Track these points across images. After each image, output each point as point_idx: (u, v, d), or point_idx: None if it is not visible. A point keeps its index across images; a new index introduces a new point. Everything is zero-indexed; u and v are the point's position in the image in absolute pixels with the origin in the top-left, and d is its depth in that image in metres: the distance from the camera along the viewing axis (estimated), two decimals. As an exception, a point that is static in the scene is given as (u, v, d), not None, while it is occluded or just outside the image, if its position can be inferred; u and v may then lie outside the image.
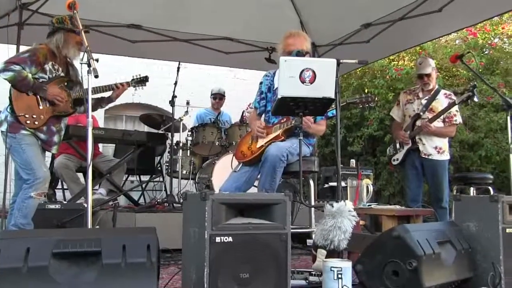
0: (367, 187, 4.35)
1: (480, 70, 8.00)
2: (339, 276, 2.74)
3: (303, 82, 3.21)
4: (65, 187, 6.40)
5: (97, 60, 3.16)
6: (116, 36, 6.19)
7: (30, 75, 4.02)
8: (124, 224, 5.00)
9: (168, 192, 6.14)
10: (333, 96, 3.27)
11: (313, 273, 3.14)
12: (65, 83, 4.30)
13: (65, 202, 5.34)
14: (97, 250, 2.24)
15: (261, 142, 4.06)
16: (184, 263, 2.70)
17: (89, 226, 3.00)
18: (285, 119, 4.05)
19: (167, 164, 6.88)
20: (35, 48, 4.17)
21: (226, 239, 2.43)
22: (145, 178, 7.40)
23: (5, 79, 3.97)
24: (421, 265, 2.74)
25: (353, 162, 7.72)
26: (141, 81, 4.74)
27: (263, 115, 4.37)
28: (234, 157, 4.33)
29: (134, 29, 6.24)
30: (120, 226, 4.88)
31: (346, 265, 2.77)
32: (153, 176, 7.27)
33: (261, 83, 4.44)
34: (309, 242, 3.20)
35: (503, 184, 7.32)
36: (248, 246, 2.50)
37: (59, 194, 6.55)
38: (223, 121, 7.06)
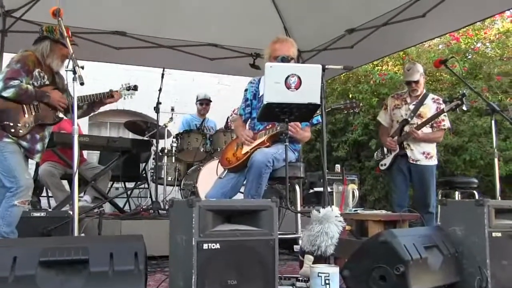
0: (353, 192, 4.37)
1: (464, 74, 8.08)
2: (327, 281, 2.74)
3: (288, 88, 3.22)
4: (50, 194, 6.34)
5: (82, 67, 3.15)
6: (100, 43, 6.17)
7: (30, 86, 4.01)
8: (110, 232, 4.96)
9: (154, 199, 6.09)
10: (318, 102, 3.28)
11: (300, 279, 3.14)
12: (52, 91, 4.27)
13: (50, 210, 5.31)
14: (84, 258, 2.23)
15: (246, 149, 4.07)
16: (171, 270, 2.69)
17: (76, 233, 2.97)
18: (270, 126, 4.06)
19: (152, 171, 6.85)
20: (22, 56, 4.11)
21: (213, 246, 2.43)
22: (130, 185, 7.36)
23: (8, 97, 3.93)
24: (408, 270, 2.75)
25: (338, 167, 7.74)
26: (130, 89, 4.72)
27: (248, 122, 4.37)
28: (219, 163, 4.32)
29: (119, 36, 6.22)
30: (105, 233, 4.85)
31: (333, 271, 2.78)
32: (138, 183, 7.23)
33: (246, 90, 4.44)
34: (296, 248, 3.20)
35: (487, 188, 7.38)
36: (236, 253, 2.50)
37: (43, 202, 6.49)
38: (208, 127, 7.06)
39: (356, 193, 4.36)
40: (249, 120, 4.35)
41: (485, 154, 7.74)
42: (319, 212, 3.06)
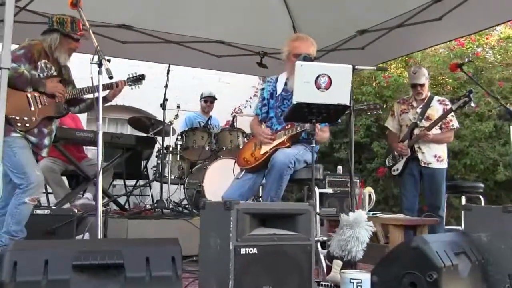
0: (370, 195, 4.29)
1: (465, 79, 8.05)
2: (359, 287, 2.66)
3: (318, 88, 3.12)
4: (49, 191, 6.19)
5: (109, 61, 3.03)
6: (105, 36, 6.00)
7: (26, 71, 3.89)
8: (116, 231, 4.83)
9: (159, 198, 5.96)
10: (348, 103, 3.19)
11: (328, 284, 3.06)
12: (59, 82, 4.14)
13: (54, 208, 5.16)
14: (119, 263, 2.11)
15: (265, 149, 3.97)
16: (201, 274, 2.59)
17: (100, 235, 2.84)
18: (289, 126, 3.96)
19: (155, 169, 6.72)
20: (29, 44, 4.01)
21: (251, 250, 2.34)
22: (130, 182, 7.23)
23: None
24: (441, 277, 2.68)
25: (340, 169, 7.66)
26: (137, 79, 4.59)
27: (265, 122, 4.27)
28: (236, 163, 4.22)
29: (125, 30, 6.07)
30: (111, 233, 4.72)
31: (365, 277, 2.70)
32: (143, 181, 7.10)
33: (262, 89, 4.34)
34: (322, 252, 3.11)
35: (486, 193, 7.35)
36: (273, 258, 2.41)
37: (43, 199, 6.33)
38: (213, 126, 6.94)
39: (373, 196, 4.28)
40: (266, 119, 4.24)
41: (485, 158, 7.71)
42: (349, 216, 2.97)
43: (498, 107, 7.45)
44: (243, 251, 2.31)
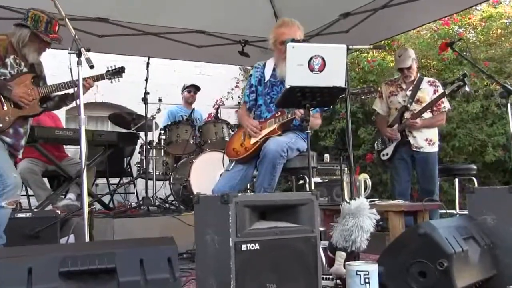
0: (365, 181, 4.13)
1: (450, 60, 7.95)
2: (366, 280, 2.51)
3: (312, 70, 2.96)
4: (30, 193, 5.95)
5: (88, 50, 2.81)
6: (81, 30, 5.73)
7: None
8: (102, 231, 4.65)
9: (143, 195, 5.76)
10: (343, 85, 3.03)
11: (331, 277, 2.90)
12: (32, 80, 3.90)
13: (36, 210, 4.95)
14: (111, 267, 1.92)
15: (255, 138, 3.80)
16: (199, 273, 2.42)
17: (87, 238, 2.64)
18: (279, 113, 3.80)
19: (138, 165, 6.51)
20: None
21: (252, 246, 2.17)
22: (113, 180, 7.02)
23: None
24: (452, 265, 2.54)
25: (327, 157, 7.52)
26: (117, 72, 4.36)
27: (254, 110, 4.10)
28: (225, 155, 4.04)
29: (101, 23, 5.84)
30: (97, 233, 4.53)
31: (372, 268, 2.54)
32: (127, 178, 6.89)
33: (250, 75, 4.17)
34: (324, 244, 2.95)
35: (475, 175, 7.29)
36: (276, 253, 2.24)
37: (23, 201, 6.09)
38: (196, 119, 6.75)
39: (369, 182, 4.12)
40: (255, 107, 4.07)
41: (473, 140, 7.63)
42: (350, 204, 2.82)
43: (485, 86, 7.38)
44: (244, 247, 2.14)
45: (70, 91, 4.10)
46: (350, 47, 3.10)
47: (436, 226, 2.66)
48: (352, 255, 2.87)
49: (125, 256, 1.96)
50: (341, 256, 2.81)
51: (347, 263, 2.63)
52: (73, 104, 4.43)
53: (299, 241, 2.30)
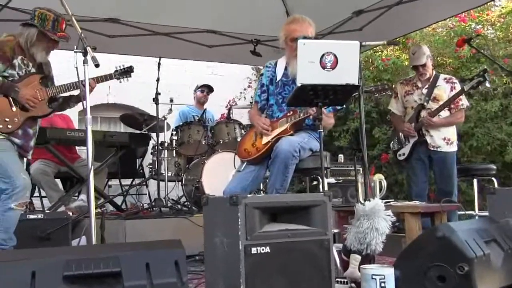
0: (380, 182, 4.04)
1: (468, 58, 7.81)
2: (382, 284, 2.43)
3: (324, 67, 2.87)
4: (43, 194, 5.93)
5: (94, 48, 2.75)
6: (92, 31, 5.72)
7: None
8: (114, 233, 4.60)
9: (155, 196, 5.70)
10: (356, 82, 2.94)
11: (346, 281, 2.81)
12: (40, 80, 3.85)
13: (47, 211, 4.92)
14: (116, 271, 1.86)
15: (267, 138, 3.72)
16: (208, 276, 2.34)
17: (94, 238, 2.58)
18: (291, 112, 3.72)
19: (150, 166, 6.46)
20: (1, 41, 3.68)
21: (263, 249, 2.09)
22: (125, 182, 6.98)
23: None
24: (473, 269, 2.43)
25: (341, 157, 7.42)
26: (126, 72, 4.30)
27: (265, 109, 4.02)
28: (236, 155, 3.96)
29: (112, 23, 5.80)
30: (109, 235, 4.48)
31: (389, 272, 2.46)
32: (139, 179, 6.85)
33: (261, 74, 4.09)
34: (337, 246, 2.86)
35: (494, 175, 7.15)
36: (287, 257, 2.16)
37: (36, 202, 6.08)
38: (208, 119, 6.68)
39: (384, 183, 4.03)
40: (266, 107, 3.99)
41: (492, 139, 7.49)
42: (365, 205, 2.73)
43: (504, 84, 7.24)
44: (254, 250, 2.07)
45: (75, 92, 4.05)
46: (363, 43, 3.02)
47: (455, 228, 2.57)
48: (367, 258, 2.78)
49: (130, 260, 1.90)
50: (355, 259, 2.72)
51: (362, 266, 2.55)
52: (79, 105, 4.40)
53: (311, 244, 2.21)
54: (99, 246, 2.57)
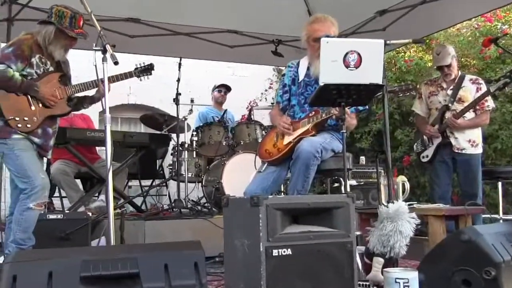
0: (403, 184, 3.96)
1: (491, 60, 7.67)
2: (406, 288, 2.35)
3: (347, 66, 2.81)
4: (63, 195, 5.94)
5: (114, 46, 2.72)
6: (113, 31, 5.72)
7: (17, 74, 3.55)
8: (133, 234, 4.57)
9: (175, 197, 5.67)
10: (380, 82, 2.87)
11: (368, 284, 2.74)
12: (59, 79, 3.84)
13: (67, 212, 4.91)
14: (134, 272, 1.82)
15: (288, 139, 3.65)
16: (228, 279, 2.29)
17: (112, 239, 2.55)
18: (313, 113, 3.65)
19: (170, 167, 6.44)
20: (18, 40, 3.67)
21: (284, 251, 2.04)
22: (145, 182, 6.97)
23: None
24: (500, 274, 2.35)
25: (363, 159, 7.33)
26: (146, 70, 4.27)
27: (287, 110, 3.96)
28: (257, 156, 3.91)
29: (133, 23, 5.81)
30: (128, 236, 4.45)
31: (413, 276, 2.38)
32: (159, 180, 6.83)
33: (283, 74, 4.03)
34: (360, 249, 2.79)
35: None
36: (309, 259, 2.10)
37: (56, 203, 6.09)
38: (227, 119, 6.63)
39: (407, 185, 3.95)
40: (288, 107, 3.93)
41: (517, 142, 7.34)
42: (388, 208, 2.66)
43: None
44: (275, 252, 2.02)
45: (89, 92, 4.02)
46: (388, 42, 2.95)
47: (482, 232, 2.49)
48: (390, 261, 2.72)
49: (149, 261, 1.86)
50: (378, 262, 2.66)
51: (385, 269, 2.47)
52: (100, 106, 4.37)
53: (334, 246, 2.16)
54: (117, 247, 2.53)
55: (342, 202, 2.20)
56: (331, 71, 2.81)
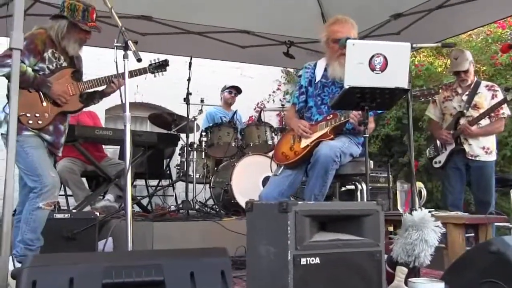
0: (420, 190, 3.88)
1: (502, 66, 7.60)
2: (432, 300, 2.27)
3: (373, 69, 2.74)
4: (68, 193, 5.86)
5: (136, 42, 2.65)
6: (124, 28, 5.64)
7: (29, 69, 3.47)
8: (141, 235, 4.48)
9: (182, 198, 5.59)
10: (406, 86, 2.80)
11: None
12: (72, 74, 3.75)
13: (74, 211, 4.83)
14: (158, 280, 1.74)
15: (306, 142, 3.58)
16: (251, 286, 2.21)
17: (130, 245, 2.46)
18: (331, 116, 3.58)
19: (178, 167, 6.36)
20: (31, 34, 3.57)
21: (312, 260, 1.96)
22: (152, 182, 6.89)
23: (1, 76, 3.39)
24: (529, 287, 2.28)
25: (371, 163, 7.25)
26: (161, 65, 4.17)
27: (304, 112, 3.89)
28: (273, 159, 3.83)
29: (144, 21, 5.73)
30: (136, 237, 4.35)
31: (438, 286, 2.32)
32: (166, 180, 6.75)
33: (299, 76, 3.97)
34: (382, 257, 2.71)
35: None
36: (337, 268, 2.02)
37: (62, 201, 6.00)
38: (236, 120, 6.55)
39: (424, 192, 3.87)
40: (304, 109, 3.86)
41: (526, 149, 7.27)
42: (413, 215, 2.58)
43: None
44: (303, 261, 1.94)
45: (99, 88, 3.94)
46: (414, 45, 2.87)
47: (511, 243, 2.41)
48: (413, 271, 2.64)
49: (174, 268, 1.79)
50: (402, 271, 2.57)
51: (409, 279, 2.40)
52: (112, 103, 4.30)
53: (362, 256, 2.08)
54: (140, 253, 2.45)
55: (371, 210, 2.12)
56: (356, 74, 2.74)
